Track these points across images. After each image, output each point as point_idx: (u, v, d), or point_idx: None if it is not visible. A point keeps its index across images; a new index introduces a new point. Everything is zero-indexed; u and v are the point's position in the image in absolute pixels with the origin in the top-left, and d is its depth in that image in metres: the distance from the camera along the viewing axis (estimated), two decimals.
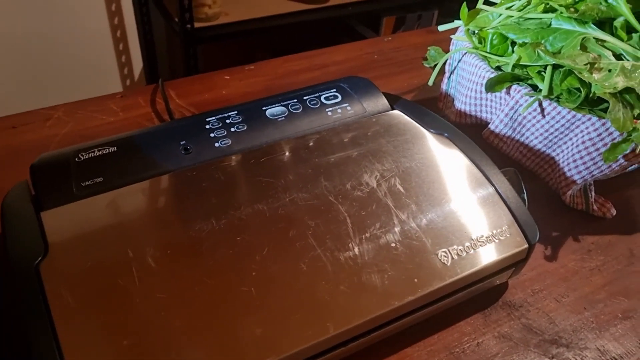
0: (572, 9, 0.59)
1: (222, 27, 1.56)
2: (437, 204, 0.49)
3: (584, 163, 0.58)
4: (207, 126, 0.54)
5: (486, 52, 0.63)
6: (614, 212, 0.61)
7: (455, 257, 0.46)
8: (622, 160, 0.56)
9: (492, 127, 0.63)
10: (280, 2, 1.65)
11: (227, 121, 0.54)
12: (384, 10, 1.79)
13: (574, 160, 0.58)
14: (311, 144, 0.53)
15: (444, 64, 0.73)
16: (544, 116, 0.58)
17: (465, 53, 0.66)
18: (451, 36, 0.70)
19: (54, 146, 0.67)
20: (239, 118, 0.55)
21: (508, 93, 0.60)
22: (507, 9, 0.66)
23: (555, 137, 0.59)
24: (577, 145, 0.58)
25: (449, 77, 0.71)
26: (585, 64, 0.56)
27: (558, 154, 0.60)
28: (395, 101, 0.60)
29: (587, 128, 0.56)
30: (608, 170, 0.57)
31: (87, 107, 0.74)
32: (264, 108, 0.56)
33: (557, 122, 0.58)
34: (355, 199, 0.48)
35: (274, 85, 0.80)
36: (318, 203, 0.47)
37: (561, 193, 0.61)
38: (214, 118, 0.55)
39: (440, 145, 0.54)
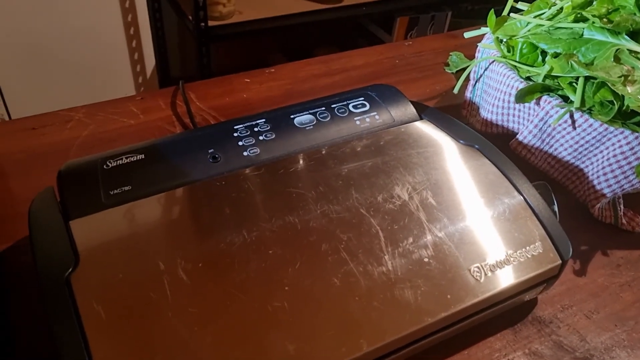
0: (605, 20, 0.58)
1: (236, 25, 1.55)
2: (469, 218, 0.48)
3: (615, 177, 0.57)
4: (235, 134, 0.53)
5: (516, 61, 0.62)
6: None
7: (488, 273, 0.45)
8: None
9: (520, 137, 0.62)
10: (293, 1, 1.64)
11: (255, 129, 0.54)
12: (397, 10, 1.77)
13: (604, 174, 0.58)
14: (341, 154, 0.52)
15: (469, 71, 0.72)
16: (574, 128, 0.57)
17: (493, 61, 0.65)
18: (478, 44, 0.69)
19: (75, 149, 0.67)
20: (267, 126, 0.54)
21: (538, 104, 0.60)
22: (536, 17, 0.65)
23: (586, 149, 0.58)
24: (608, 159, 0.57)
25: (475, 85, 0.70)
26: (619, 76, 0.55)
27: (587, 167, 0.60)
28: (422, 110, 0.59)
29: (619, 141, 0.55)
30: (639, 184, 0.56)
31: (107, 109, 0.74)
32: (292, 116, 0.55)
33: (588, 134, 0.57)
34: (387, 212, 0.47)
35: (294, 89, 0.80)
36: (350, 216, 0.46)
37: (589, 206, 0.61)
38: (241, 126, 0.54)
39: (471, 157, 0.53)
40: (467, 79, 0.72)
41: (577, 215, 0.62)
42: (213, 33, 1.51)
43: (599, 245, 0.59)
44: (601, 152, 0.58)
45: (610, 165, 0.57)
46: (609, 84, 0.55)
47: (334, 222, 0.46)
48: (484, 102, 0.67)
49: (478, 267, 0.45)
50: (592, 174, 0.59)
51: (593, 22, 0.58)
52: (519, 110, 0.62)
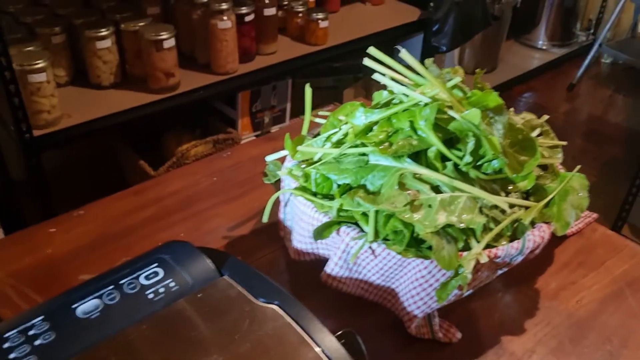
0: (387, 144, 0.59)
1: (66, 131, 1.46)
2: None
3: (421, 298, 0.57)
4: (7, 344, 0.47)
5: (312, 193, 0.62)
6: (459, 335, 0.61)
7: None
8: (457, 291, 0.56)
9: (327, 270, 0.61)
10: (125, 96, 1.58)
11: (31, 332, 0.48)
12: (236, 87, 1.77)
13: (412, 296, 0.58)
14: (128, 342, 0.48)
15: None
16: (375, 257, 0.57)
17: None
18: (278, 172, 0.68)
19: None
20: (45, 325, 0.49)
21: (338, 234, 0.59)
22: (327, 138, 0.65)
23: (391, 273, 0.58)
24: (412, 282, 0.57)
25: (285, 208, 0.69)
26: (405, 205, 0.55)
27: (397, 288, 0.60)
28: (223, 262, 0.56)
29: (417, 266, 0.56)
30: (446, 301, 0.57)
31: None
32: (73, 306, 0.51)
33: (389, 261, 0.57)
34: None
35: (106, 233, 0.75)
36: None
37: (406, 326, 0.61)
38: (14, 332, 0.48)
39: (270, 318, 0.51)
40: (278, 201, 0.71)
41: (400, 332, 0.61)
42: (40, 143, 1.42)
43: None
44: (406, 274, 0.58)
45: (415, 288, 0.57)
46: (396, 214, 0.55)
47: None
48: (294, 231, 0.66)
49: None
50: (402, 296, 0.59)
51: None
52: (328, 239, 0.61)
